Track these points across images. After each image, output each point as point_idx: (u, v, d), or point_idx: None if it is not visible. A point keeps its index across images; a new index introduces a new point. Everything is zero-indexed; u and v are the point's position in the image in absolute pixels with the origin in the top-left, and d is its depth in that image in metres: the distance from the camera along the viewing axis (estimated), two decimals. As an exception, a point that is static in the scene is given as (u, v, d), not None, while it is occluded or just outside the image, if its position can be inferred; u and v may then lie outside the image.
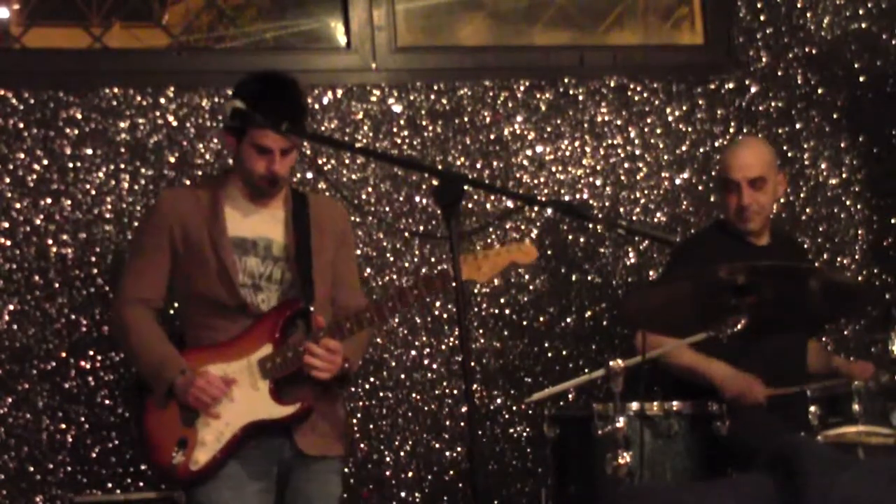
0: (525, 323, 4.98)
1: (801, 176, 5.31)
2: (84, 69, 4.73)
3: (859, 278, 5.26)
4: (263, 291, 3.87)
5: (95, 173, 4.59)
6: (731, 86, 5.27)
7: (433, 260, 4.88)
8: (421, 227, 4.87)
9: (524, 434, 4.93)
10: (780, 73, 5.32)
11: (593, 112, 5.12)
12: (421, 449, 4.82)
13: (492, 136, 5.00)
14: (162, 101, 4.67)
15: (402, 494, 4.79)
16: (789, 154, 5.28)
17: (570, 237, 5.06)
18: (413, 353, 4.85)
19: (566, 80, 5.09)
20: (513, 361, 4.95)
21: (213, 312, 3.84)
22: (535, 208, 4.99)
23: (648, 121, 5.18)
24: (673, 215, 5.18)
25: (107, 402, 4.53)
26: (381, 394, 4.81)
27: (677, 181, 5.19)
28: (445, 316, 4.87)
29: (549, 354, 5.00)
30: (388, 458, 4.79)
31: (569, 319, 5.03)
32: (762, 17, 5.32)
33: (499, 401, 4.92)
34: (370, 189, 4.86)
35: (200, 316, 3.88)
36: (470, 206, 4.90)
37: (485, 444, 4.85)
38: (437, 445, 4.84)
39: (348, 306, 3.93)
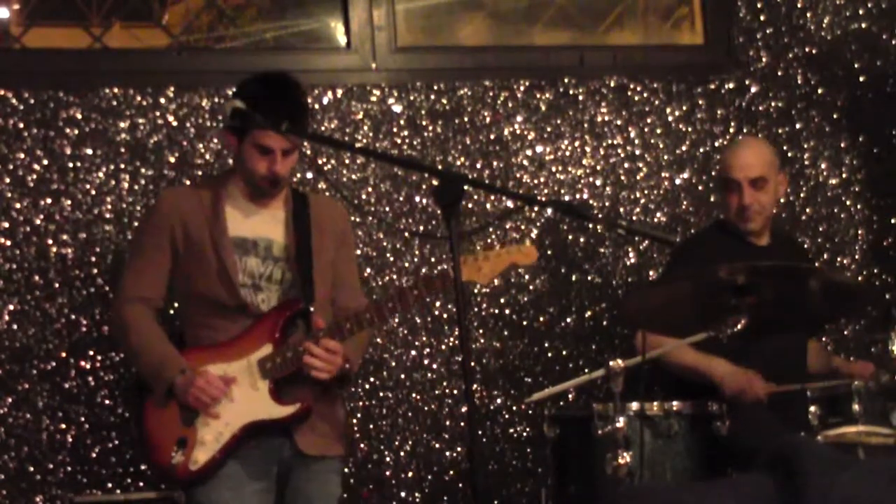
0: (525, 323, 4.98)
1: (801, 176, 5.32)
2: (84, 69, 4.73)
3: (859, 278, 5.26)
4: (263, 291, 3.87)
5: (95, 173, 4.60)
6: (731, 86, 5.27)
7: (433, 260, 4.88)
8: (421, 227, 4.87)
9: (524, 434, 4.93)
10: (780, 73, 5.32)
11: (593, 112, 5.12)
12: (421, 449, 4.82)
13: (492, 136, 5.00)
14: (162, 101, 4.68)
15: (402, 494, 4.79)
16: (789, 154, 5.28)
17: (570, 237, 5.06)
18: (413, 353, 4.85)
19: (566, 80, 5.09)
20: (513, 361, 4.95)
21: (213, 312, 3.84)
22: (535, 208, 4.99)
23: (648, 121, 5.18)
24: (673, 215, 5.18)
25: (107, 402, 4.53)
26: (381, 394, 4.81)
27: (677, 181, 5.19)
28: (445, 316, 4.87)
29: (549, 354, 5.00)
30: (388, 458, 4.79)
31: (569, 319, 5.03)
32: (762, 17, 5.32)
33: (499, 401, 4.92)
34: (370, 189, 4.86)
35: (200, 316, 3.88)
36: (470, 206, 4.90)
37: (485, 444, 4.85)
38: (437, 445, 4.84)
39: (348, 307, 3.93)
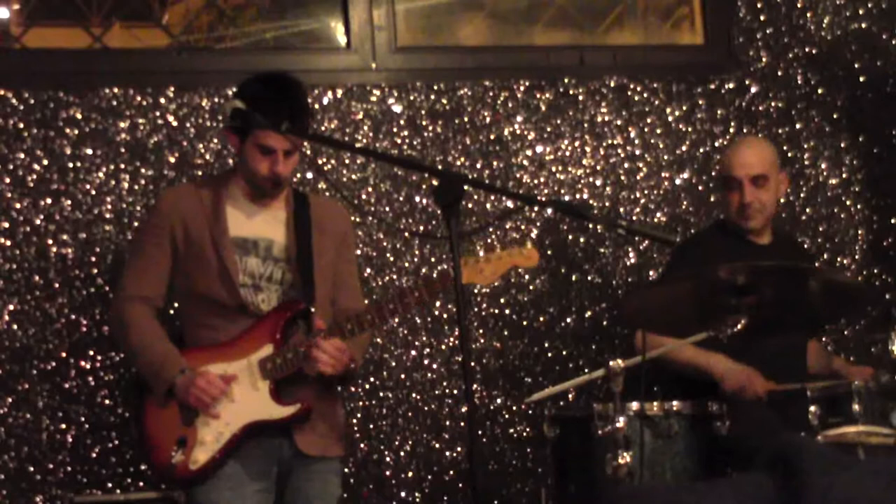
0: (525, 323, 4.98)
1: (801, 176, 5.32)
2: (84, 69, 4.73)
3: (859, 278, 5.26)
4: (263, 291, 3.87)
5: (95, 173, 4.60)
6: (731, 86, 5.27)
7: (433, 260, 4.88)
8: (421, 227, 4.87)
9: (524, 434, 4.92)
10: (780, 73, 5.32)
11: (593, 112, 5.12)
12: (421, 449, 4.82)
13: (492, 136, 5.00)
14: (162, 101, 4.67)
15: (402, 494, 4.79)
16: (789, 154, 5.28)
17: (570, 237, 5.06)
18: (413, 353, 4.85)
19: (566, 80, 5.09)
20: (513, 361, 4.95)
21: (213, 312, 3.84)
22: (535, 208, 4.99)
23: (648, 121, 5.18)
24: (673, 215, 5.18)
25: (107, 402, 4.53)
26: (381, 394, 4.81)
27: (677, 181, 5.19)
28: (445, 316, 4.87)
29: (549, 354, 5.00)
30: (388, 458, 4.79)
31: (569, 319, 5.03)
32: (762, 17, 5.32)
33: (499, 401, 4.92)
34: (370, 189, 4.86)
35: (200, 315, 3.88)
36: (470, 206, 4.90)
37: (485, 444, 4.85)
38: (437, 445, 4.84)
39: (348, 308, 3.93)
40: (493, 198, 4.94)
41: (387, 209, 4.86)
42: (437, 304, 4.85)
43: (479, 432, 4.81)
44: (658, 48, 5.44)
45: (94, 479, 4.49)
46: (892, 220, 5.38)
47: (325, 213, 4.01)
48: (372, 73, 4.92)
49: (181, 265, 3.88)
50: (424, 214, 4.90)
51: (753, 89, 5.30)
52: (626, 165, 5.14)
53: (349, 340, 3.77)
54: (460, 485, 4.81)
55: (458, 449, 4.84)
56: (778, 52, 5.33)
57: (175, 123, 4.68)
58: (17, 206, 4.52)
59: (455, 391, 4.86)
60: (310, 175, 4.77)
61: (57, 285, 4.52)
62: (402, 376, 4.83)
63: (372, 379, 4.80)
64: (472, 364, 4.83)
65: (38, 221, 4.53)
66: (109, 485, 4.50)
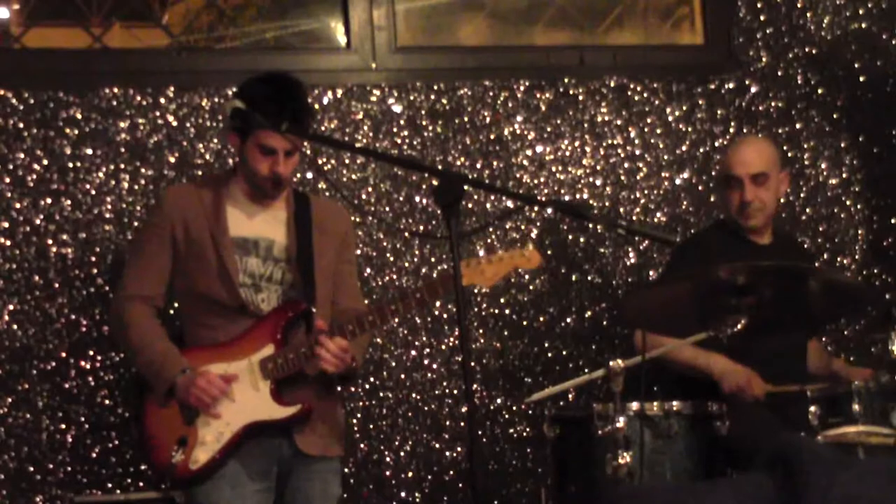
0: (525, 323, 4.98)
1: (801, 176, 5.31)
2: (84, 69, 4.73)
3: (859, 278, 5.26)
4: (263, 291, 3.87)
5: (95, 173, 4.60)
6: (731, 86, 5.27)
7: (433, 260, 4.88)
8: (421, 227, 4.87)
9: (524, 434, 4.92)
10: (780, 73, 5.32)
11: (593, 112, 5.12)
12: (421, 449, 4.82)
13: (492, 136, 5.00)
14: (162, 101, 4.67)
15: (402, 494, 4.79)
16: (789, 154, 5.28)
17: (570, 237, 5.06)
18: (413, 353, 4.85)
19: (566, 80, 5.09)
20: (513, 361, 4.96)
21: (213, 312, 3.84)
22: (535, 208, 4.99)
23: (648, 121, 5.18)
24: (673, 215, 5.18)
25: (107, 402, 4.53)
26: (381, 394, 4.81)
27: (677, 181, 5.19)
28: (445, 316, 4.87)
29: (549, 354, 5.00)
30: (388, 458, 4.79)
31: (569, 319, 5.03)
32: (762, 17, 5.32)
33: (499, 401, 4.92)
34: (370, 189, 4.86)
35: (200, 315, 3.88)
36: (470, 206, 4.90)
37: (485, 444, 4.85)
38: (437, 445, 4.84)
39: (348, 308, 3.94)
40: (493, 198, 4.94)
41: (387, 209, 4.86)
42: (437, 304, 4.85)
43: (479, 432, 4.81)
44: (658, 48, 5.44)
45: (94, 479, 4.49)
46: (892, 220, 5.38)
47: (326, 214, 4.01)
48: (372, 73, 4.92)
49: (181, 265, 3.88)
50: (424, 214, 4.90)
51: (753, 89, 5.30)
52: (626, 165, 5.14)
53: (350, 341, 3.77)
54: (460, 485, 4.81)
55: (458, 449, 4.84)
56: (778, 52, 5.33)
57: (175, 123, 4.68)
58: (17, 206, 4.52)
59: (455, 391, 4.86)
60: (310, 175, 4.77)
61: (57, 285, 4.52)
62: (402, 376, 4.83)
63: (372, 379, 4.80)
64: (472, 364, 4.83)
65: (38, 221, 4.53)
66: (109, 485, 4.50)
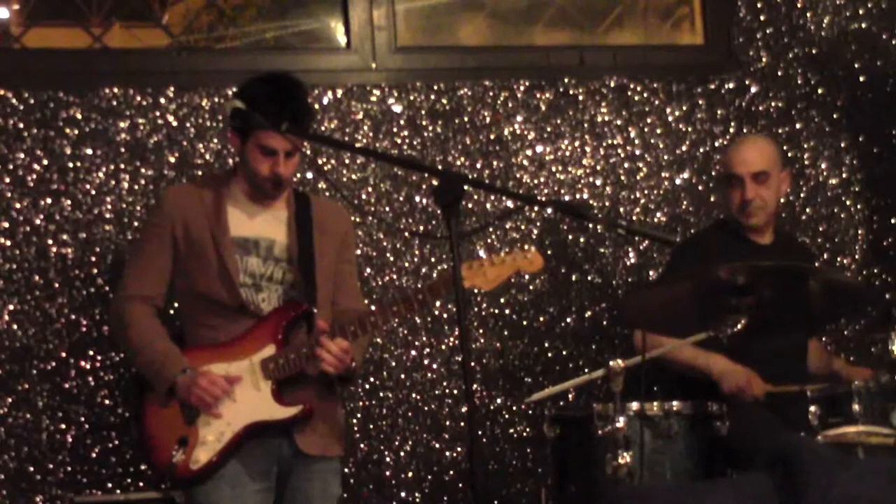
0: (525, 323, 4.98)
1: (801, 176, 5.31)
2: (84, 69, 4.73)
3: (859, 278, 5.26)
4: (264, 291, 3.87)
5: (95, 173, 4.60)
6: (731, 86, 5.27)
7: (433, 260, 4.88)
8: (421, 227, 4.87)
9: (524, 434, 4.92)
10: (780, 73, 5.32)
11: (593, 112, 5.12)
12: (421, 449, 4.82)
13: (492, 136, 5.00)
14: (162, 101, 4.67)
15: (402, 494, 4.79)
16: (789, 154, 5.28)
17: (570, 237, 5.06)
18: (413, 353, 4.85)
19: (566, 80, 5.09)
20: (513, 361, 4.96)
21: (214, 312, 3.84)
22: (535, 208, 4.99)
23: (648, 121, 5.18)
24: (673, 215, 5.18)
25: (107, 402, 4.53)
26: (381, 394, 4.81)
27: (677, 181, 5.19)
28: (445, 316, 4.87)
29: (549, 354, 5.00)
30: (388, 458, 4.79)
31: (569, 319, 5.03)
32: (762, 17, 5.32)
33: (499, 401, 4.92)
34: (370, 189, 4.86)
35: (200, 315, 3.87)
36: (470, 206, 4.90)
37: (485, 444, 4.85)
38: (437, 445, 4.84)
39: (348, 308, 3.94)
40: (493, 198, 4.94)
41: (387, 209, 4.86)
42: (438, 304, 4.85)
43: (479, 432, 4.80)
44: (658, 48, 5.44)
45: (94, 479, 4.49)
46: (892, 220, 5.38)
47: (327, 214, 4.01)
48: (372, 73, 4.92)
49: (182, 265, 3.88)
50: (424, 214, 4.90)
51: (753, 89, 5.30)
52: (626, 165, 5.14)
53: (352, 342, 3.77)
54: (460, 485, 4.81)
55: (458, 449, 4.84)
56: (778, 52, 5.33)
57: (175, 123, 4.68)
58: (17, 206, 4.52)
59: (455, 391, 4.86)
60: (310, 175, 4.77)
61: (57, 285, 4.52)
62: (402, 376, 4.83)
63: (372, 379, 4.80)
64: (472, 364, 4.83)
65: (38, 221, 4.53)
66: (109, 485, 4.50)
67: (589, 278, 5.07)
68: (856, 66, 5.39)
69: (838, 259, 5.33)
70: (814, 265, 4.80)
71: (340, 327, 3.77)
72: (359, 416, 4.77)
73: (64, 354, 4.51)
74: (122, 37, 5.01)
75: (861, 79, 5.39)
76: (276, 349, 3.79)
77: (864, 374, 4.40)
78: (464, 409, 4.82)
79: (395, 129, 4.90)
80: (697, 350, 4.22)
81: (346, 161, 4.83)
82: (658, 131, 5.19)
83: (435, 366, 4.87)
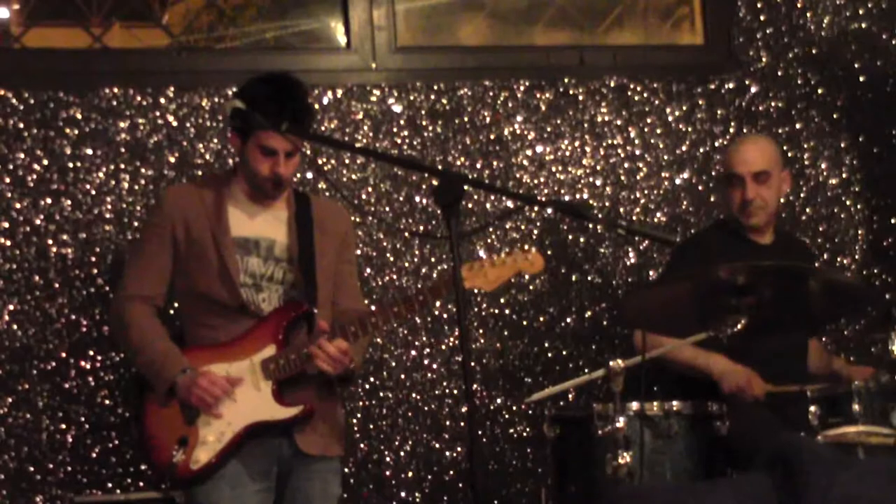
0: (525, 323, 4.98)
1: (801, 176, 5.31)
2: (84, 69, 4.73)
3: (859, 278, 5.26)
4: (264, 291, 3.87)
5: (95, 173, 4.60)
6: (731, 86, 5.27)
7: (433, 260, 4.88)
8: (421, 227, 4.87)
9: (524, 434, 4.92)
10: (780, 73, 5.32)
11: (593, 112, 5.12)
12: (421, 449, 4.82)
13: (492, 136, 5.00)
14: (162, 101, 4.68)
15: (402, 494, 4.79)
16: (789, 154, 5.28)
17: (570, 237, 5.06)
18: (413, 353, 4.85)
19: (566, 80, 5.10)
20: (513, 361, 4.96)
21: (214, 312, 3.84)
22: (535, 208, 4.99)
23: (648, 121, 5.18)
24: (673, 215, 5.18)
25: (107, 402, 4.53)
26: (381, 394, 4.81)
27: (677, 181, 5.19)
28: (445, 316, 4.87)
29: (549, 354, 5.00)
30: (388, 458, 4.79)
31: (569, 319, 5.03)
32: (762, 17, 5.32)
33: (499, 401, 4.92)
34: (370, 189, 4.86)
35: (201, 315, 3.87)
36: (470, 206, 4.90)
37: (485, 444, 4.85)
38: (437, 445, 4.84)
39: (348, 309, 3.94)
40: (493, 198, 4.94)
41: (387, 209, 4.86)
42: (438, 304, 4.85)
43: (479, 432, 4.80)
44: (658, 48, 5.44)
45: (94, 479, 4.49)
46: (892, 220, 5.38)
47: (327, 214, 4.01)
48: (372, 73, 4.92)
49: (182, 265, 3.88)
50: (424, 214, 4.90)
51: (753, 89, 5.30)
52: (626, 165, 5.14)
53: (352, 343, 3.77)
54: (460, 485, 4.81)
55: (458, 449, 4.84)
56: (778, 52, 5.33)
57: (175, 123, 4.68)
58: (17, 206, 4.52)
59: (455, 391, 4.86)
60: (310, 175, 4.77)
61: (57, 285, 4.52)
62: (402, 376, 4.83)
63: (372, 379, 4.80)
64: (472, 364, 4.83)
65: (38, 221, 4.53)
66: (109, 485, 4.50)
67: (589, 278, 5.07)
68: (856, 66, 5.39)
69: (838, 259, 5.33)
70: (814, 265, 4.81)
71: (341, 327, 3.77)
72: (359, 416, 4.77)
73: (64, 354, 4.51)
74: (122, 37, 5.01)
75: (861, 79, 5.39)
76: (276, 349, 3.79)
77: (864, 373, 4.40)
78: (464, 409, 4.82)
79: (395, 129, 4.90)
80: (697, 350, 4.22)
81: (346, 161, 4.83)
82: (658, 131, 5.19)
83: (435, 366, 4.87)
